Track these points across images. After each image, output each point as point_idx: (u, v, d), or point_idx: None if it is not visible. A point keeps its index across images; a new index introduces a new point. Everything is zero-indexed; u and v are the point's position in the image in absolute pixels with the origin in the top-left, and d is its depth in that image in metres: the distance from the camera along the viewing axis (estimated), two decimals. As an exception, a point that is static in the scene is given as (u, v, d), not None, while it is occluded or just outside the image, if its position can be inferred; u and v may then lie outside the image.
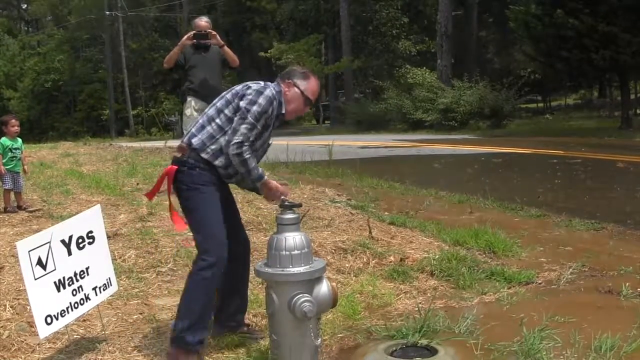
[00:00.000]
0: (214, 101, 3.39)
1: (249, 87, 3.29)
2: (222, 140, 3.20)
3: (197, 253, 3.22)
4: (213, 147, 3.22)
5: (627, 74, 20.12)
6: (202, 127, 3.27)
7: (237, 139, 3.15)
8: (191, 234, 3.36)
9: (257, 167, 3.26)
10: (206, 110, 3.39)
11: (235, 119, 3.20)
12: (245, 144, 3.15)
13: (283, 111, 3.34)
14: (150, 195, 3.48)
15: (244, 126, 3.16)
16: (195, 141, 3.22)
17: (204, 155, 3.21)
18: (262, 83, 3.34)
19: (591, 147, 13.77)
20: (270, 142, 3.42)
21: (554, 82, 29.27)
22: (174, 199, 3.32)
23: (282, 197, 3.29)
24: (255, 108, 3.19)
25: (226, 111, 3.26)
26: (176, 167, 3.24)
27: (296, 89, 3.36)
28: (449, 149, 15.07)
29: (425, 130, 23.62)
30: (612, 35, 17.03)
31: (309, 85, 3.39)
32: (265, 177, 3.29)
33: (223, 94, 3.38)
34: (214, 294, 3.27)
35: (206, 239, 3.19)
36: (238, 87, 3.34)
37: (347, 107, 31.21)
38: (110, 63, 40.70)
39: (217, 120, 3.25)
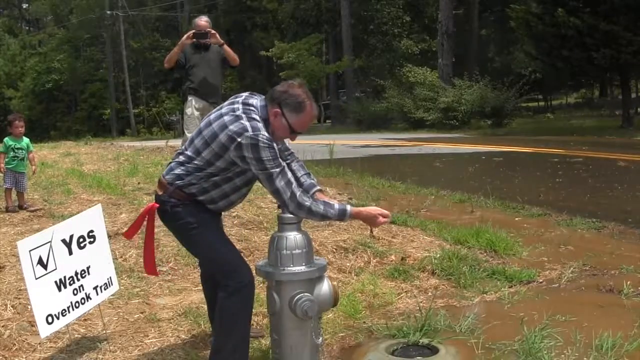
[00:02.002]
0: (201, 132, 2.98)
1: (241, 145, 2.82)
2: (205, 175, 2.94)
3: (220, 283, 3.00)
4: (197, 184, 2.96)
5: (628, 72, 20.14)
6: (182, 163, 2.99)
7: (286, 196, 2.87)
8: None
9: (329, 205, 2.97)
10: (188, 143, 3.04)
11: (264, 181, 2.89)
12: (296, 192, 2.88)
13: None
14: (129, 234, 3.26)
15: (279, 181, 2.85)
16: (176, 180, 2.97)
17: (187, 191, 2.96)
18: (249, 119, 2.86)
19: (592, 146, 13.76)
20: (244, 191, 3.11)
21: (555, 81, 29.29)
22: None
23: (384, 218, 3.09)
24: (267, 163, 2.83)
25: (217, 162, 2.91)
26: (157, 205, 3.02)
27: (283, 120, 2.93)
28: (450, 148, 15.06)
29: (426, 129, 23.62)
30: (613, 34, 17.02)
31: (299, 120, 2.95)
32: (349, 208, 3.01)
33: (211, 127, 2.93)
34: (250, 314, 3.07)
35: (228, 272, 2.98)
36: (223, 136, 2.86)
37: (348, 106, 31.24)
38: (111, 62, 40.72)
39: (202, 156, 2.92)
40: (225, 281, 2.97)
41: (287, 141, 3.26)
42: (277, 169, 2.86)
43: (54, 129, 41.54)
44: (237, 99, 3.03)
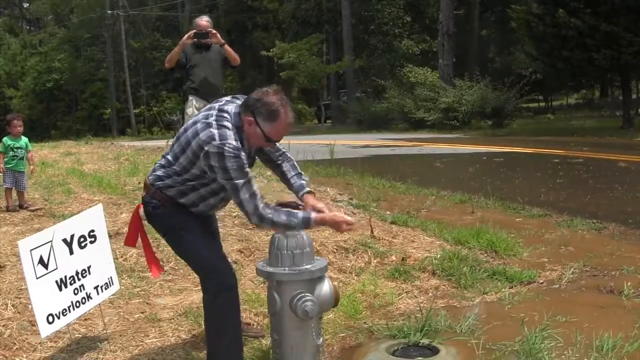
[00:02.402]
0: (179, 138, 3.02)
1: (208, 154, 2.82)
2: (184, 179, 2.99)
3: (202, 285, 3.08)
4: (175, 187, 3.02)
5: (629, 73, 20.12)
6: (163, 166, 3.06)
7: (249, 209, 2.86)
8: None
9: (293, 214, 2.93)
10: (170, 147, 3.10)
11: (229, 191, 2.90)
12: (258, 205, 2.86)
13: (246, 149, 2.96)
14: (130, 241, 3.31)
15: (241, 193, 2.85)
16: (157, 181, 3.05)
17: (167, 193, 3.03)
18: (218, 127, 2.86)
19: (593, 146, 13.76)
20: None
21: (555, 82, 29.25)
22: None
23: (348, 225, 3.06)
24: (233, 173, 2.82)
25: (192, 169, 2.95)
26: (142, 205, 3.13)
27: (257, 129, 2.89)
28: (450, 148, 15.06)
29: (426, 129, 23.62)
30: (614, 35, 17.02)
31: (273, 129, 2.90)
32: (313, 216, 2.97)
33: (186, 134, 2.97)
34: (238, 314, 3.10)
35: (207, 273, 3.05)
36: (194, 144, 2.88)
37: (348, 106, 31.24)
38: (111, 62, 40.71)
39: (180, 162, 2.97)
40: (206, 284, 3.04)
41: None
42: (242, 180, 2.84)
43: (55, 129, 41.51)
44: (215, 105, 3.03)
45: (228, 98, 3.09)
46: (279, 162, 3.29)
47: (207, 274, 3.05)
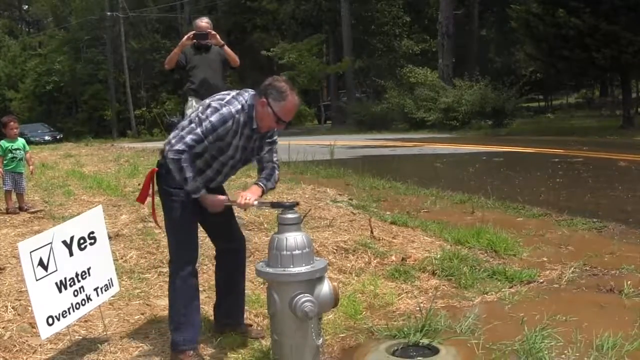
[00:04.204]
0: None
1: (212, 102, 3.20)
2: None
3: (169, 257, 3.30)
4: None
5: (629, 72, 20.13)
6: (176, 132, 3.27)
7: (180, 146, 3.11)
8: None
9: (194, 181, 3.16)
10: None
11: (189, 126, 3.17)
12: (185, 151, 3.11)
13: (254, 126, 3.22)
14: (141, 198, 3.50)
15: (190, 137, 3.11)
16: (167, 145, 3.23)
17: None
18: (233, 97, 3.23)
19: (593, 146, 13.76)
20: (237, 156, 3.31)
21: (555, 81, 29.29)
22: (157, 199, 3.44)
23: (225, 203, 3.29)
24: (206, 123, 3.12)
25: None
26: (157, 169, 3.33)
27: (269, 109, 3.17)
28: (450, 149, 15.06)
29: (427, 129, 23.65)
30: (614, 34, 17.03)
31: (282, 108, 3.18)
32: (200, 194, 3.21)
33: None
34: (195, 293, 3.32)
35: (174, 245, 3.28)
36: (212, 98, 3.28)
37: (348, 107, 31.26)
38: (111, 64, 40.73)
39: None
40: (172, 260, 3.29)
41: (274, 154, 3.45)
42: (203, 136, 3.11)
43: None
44: (231, 92, 3.31)
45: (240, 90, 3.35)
46: (264, 168, 3.45)
47: (173, 255, 3.29)
